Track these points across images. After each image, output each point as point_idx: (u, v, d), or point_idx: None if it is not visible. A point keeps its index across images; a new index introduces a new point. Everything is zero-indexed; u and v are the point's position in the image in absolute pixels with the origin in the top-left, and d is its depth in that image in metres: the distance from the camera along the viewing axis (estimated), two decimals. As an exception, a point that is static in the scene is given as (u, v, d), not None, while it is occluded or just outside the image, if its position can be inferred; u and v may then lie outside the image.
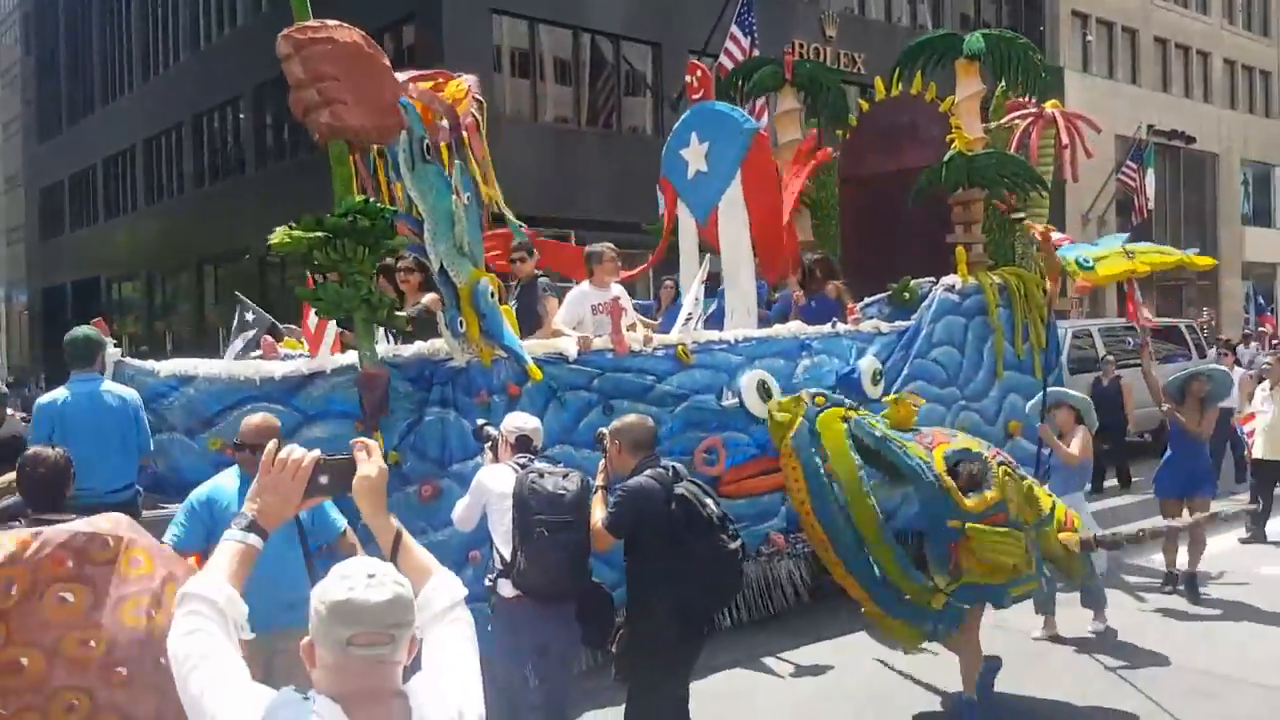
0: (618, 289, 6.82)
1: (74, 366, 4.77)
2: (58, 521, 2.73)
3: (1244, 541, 8.81)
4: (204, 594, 1.81)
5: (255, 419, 4.12)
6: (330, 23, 4.49)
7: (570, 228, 14.21)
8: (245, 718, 1.65)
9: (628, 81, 19.37)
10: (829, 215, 9.26)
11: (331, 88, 4.38)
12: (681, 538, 3.96)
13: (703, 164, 7.54)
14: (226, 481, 4.00)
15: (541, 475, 4.08)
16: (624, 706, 4.15)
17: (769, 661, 5.97)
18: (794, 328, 7.01)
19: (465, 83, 5.20)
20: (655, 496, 3.98)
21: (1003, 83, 8.42)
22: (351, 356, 5.11)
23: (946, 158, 7.82)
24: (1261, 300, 20.02)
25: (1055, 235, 7.39)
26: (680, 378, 6.20)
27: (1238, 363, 13.01)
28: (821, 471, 4.59)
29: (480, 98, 5.20)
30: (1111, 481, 11.29)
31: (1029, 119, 8.26)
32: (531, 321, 6.34)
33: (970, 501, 4.53)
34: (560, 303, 6.65)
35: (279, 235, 4.54)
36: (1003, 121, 8.45)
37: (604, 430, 4.42)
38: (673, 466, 4.16)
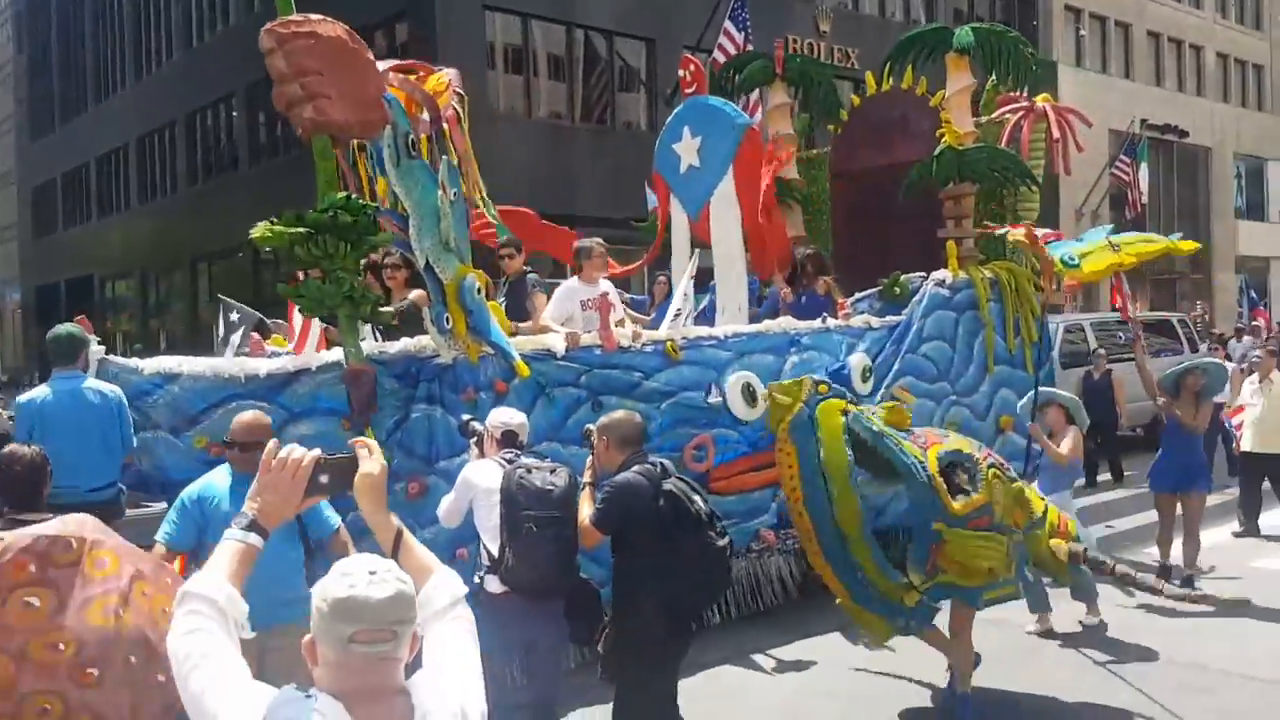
0: (606, 285, 6.80)
1: (56, 364, 4.73)
2: (34, 521, 2.71)
3: (1237, 535, 8.81)
4: (204, 593, 1.81)
5: (246, 416, 4.10)
6: (314, 17, 4.46)
7: (564, 224, 14.17)
8: (247, 716, 1.64)
9: (622, 77, 19.35)
10: (820, 210, 9.25)
11: (315, 82, 4.34)
12: (669, 534, 3.94)
13: (695, 159, 7.52)
14: (218, 479, 3.99)
15: (529, 471, 4.05)
16: (612, 704, 4.13)
17: (758, 658, 5.96)
18: (784, 323, 6.99)
19: (446, 76, 5.17)
20: (643, 493, 3.95)
21: (993, 77, 8.41)
22: (337, 353, 5.08)
23: (937, 152, 7.81)
24: (1254, 294, 20.01)
25: (1041, 231, 7.35)
26: (668, 374, 6.18)
27: (1228, 357, 13.03)
28: (816, 459, 4.57)
29: (461, 91, 5.17)
30: (1104, 475, 11.31)
31: (1020, 113, 8.24)
32: (520, 318, 6.32)
33: (957, 504, 4.51)
34: (549, 298, 6.62)
35: (260, 230, 4.51)
36: (994, 116, 8.43)
37: (591, 426, 4.40)
38: (661, 463, 4.14)
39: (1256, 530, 8.81)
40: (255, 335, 6.12)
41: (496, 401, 5.23)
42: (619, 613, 4.10)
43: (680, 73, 8.48)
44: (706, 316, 7.65)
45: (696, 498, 4.04)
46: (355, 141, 4.93)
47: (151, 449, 4.91)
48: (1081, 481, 10.61)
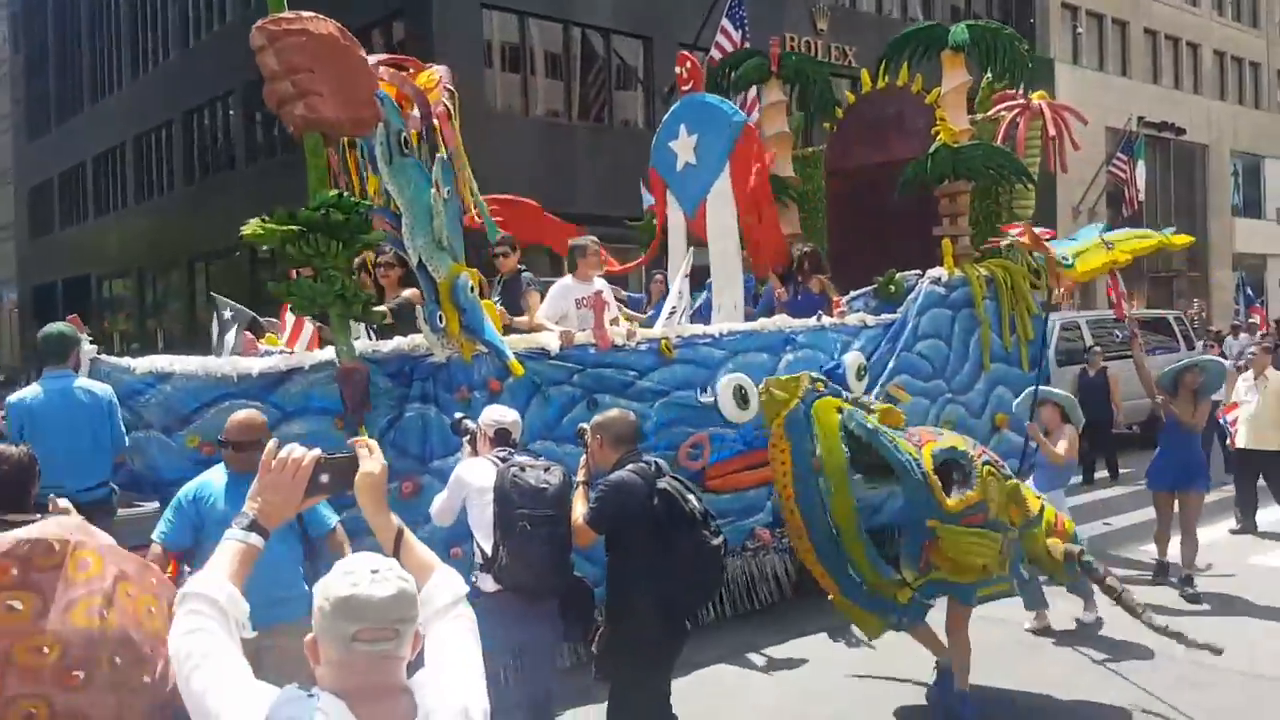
0: (601, 283, 6.78)
1: (47, 363, 4.72)
2: (22, 522, 2.68)
3: (1234, 532, 8.80)
4: (205, 593, 1.81)
5: (241, 415, 4.09)
6: (305, 14, 4.44)
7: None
8: (249, 716, 1.64)
9: (619, 76, 19.33)
10: (816, 208, 9.24)
11: (306, 79, 4.33)
12: (664, 533, 3.92)
13: (691, 156, 7.52)
14: (214, 478, 3.99)
15: (523, 469, 4.04)
16: (607, 704, 4.12)
17: (753, 657, 5.95)
18: (779, 321, 6.97)
19: (436, 73, 5.15)
20: (637, 491, 3.94)
21: (988, 74, 8.39)
22: (330, 352, 5.06)
23: (932, 149, 7.80)
24: (1250, 291, 20.00)
25: (1037, 230, 7.34)
26: (661, 373, 6.17)
27: (1223, 354, 13.03)
28: (810, 456, 4.56)
29: (451, 88, 5.15)
30: (1102, 473, 11.31)
31: (1015, 110, 8.23)
32: (516, 316, 6.30)
33: (951, 501, 4.50)
34: (543, 297, 6.61)
35: (251, 227, 4.50)
36: (989, 113, 8.42)
37: (585, 425, 4.39)
38: (655, 461, 4.12)
39: (1254, 527, 8.80)
40: (248, 334, 6.10)
41: (490, 400, 5.21)
42: (613, 612, 4.09)
43: (677, 70, 8.47)
44: (702, 314, 7.64)
45: (691, 496, 4.02)
46: (346, 139, 4.91)
47: (144, 449, 4.89)
48: (1079, 480, 10.64)
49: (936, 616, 5.10)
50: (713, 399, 6.26)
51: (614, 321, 6.38)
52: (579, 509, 4.06)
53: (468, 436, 4.46)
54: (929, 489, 4.49)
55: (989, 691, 5.16)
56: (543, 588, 4.01)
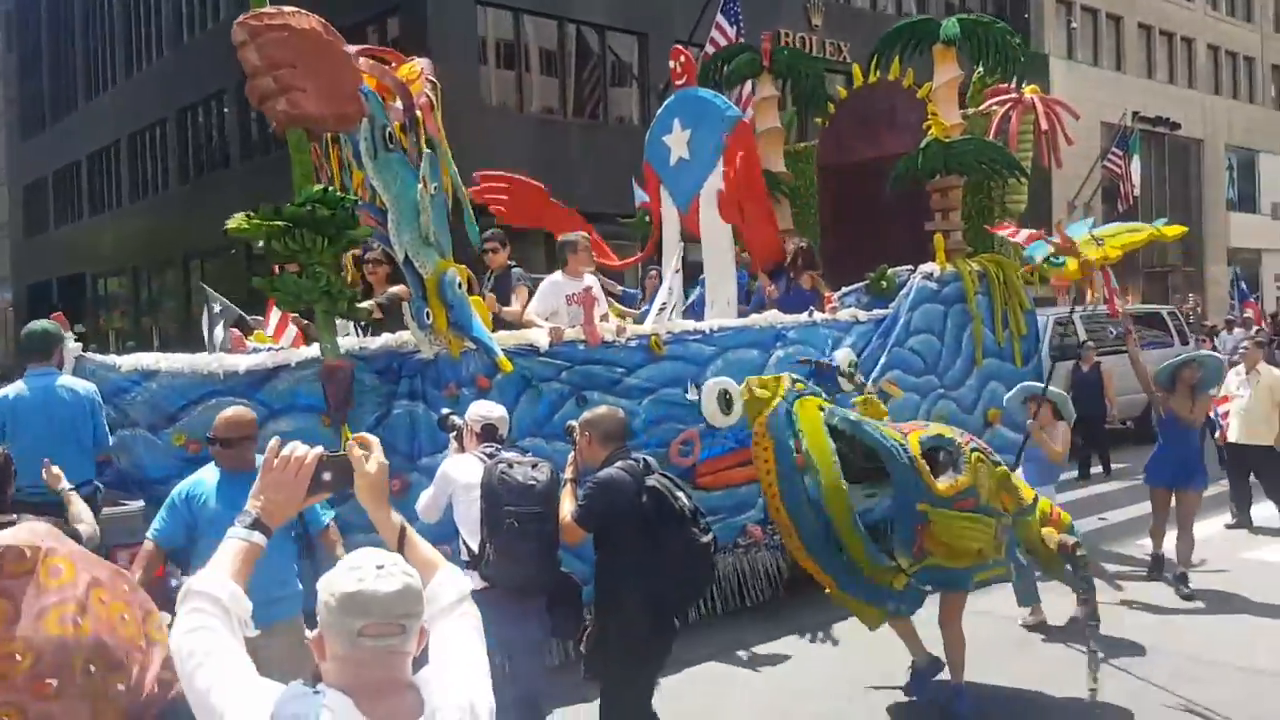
0: (590, 279, 6.75)
1: (30, 361, 4.69)
2: (1, 524, 2.66)
3: (1229, 527, 8.79)
4: (207, 591, 1.80)
5: (229, 412, 4.07)
6: (287, 9, 4.41)
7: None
8: (254, 713, 1.63)
9: (614, 72, 19.31)
10: (808, 204, 9.21)
11: (288, 75, 4.29)
12: (652, 531, 3.90)
13: (685, 151, 7.49)
14: (207, 477, 3.98)
15: (510, 466, 4.01)
16: (598, 702, 4.09)
17: (745, 654, 5.92)
18: (770, 317, 6.94)
19: (418, 65, 5.12)
20: (626, 489, 3.91)
21: (979, 68, 8.36)
22: (316, 349, 5.03)
23: (923, 144, 7.77)
24: (1244, 286, 20.00)
25: (1025, 233, 7.31)
26: (650, 370, 6.14)
27: (1215, 349, 13.02)
28: (793, 454, 4.55)
29: (434, 79, 5.11)
30: (1096, 468, 11.30)
31: (1008, 104, 8.21)
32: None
33: (941, 485, 4.50)
34: (531, 292, 6.58)
35: (236, 222, 4.47)
36: (981, 108, 8.40)
37: (574, 423, 4.36)
38: (644, 459, 4.09)
39: (1249, 522, 8.78)
40: (235, 331, 6.07)
41: (479, 397, 5.18)
42: (602, 610, 4.07)
43: (671, 64, 8.44)
44: (695, 310, 7.62)
45: (680, 494, 4.00)
46: (329, 134, 4.88)
47: (130, 447, 4.87)
48: (1074, 475, 10.63)
49: (921, 615, 5.09)
50: (698, 397, 6.23)
51: (604, 318, 6.35)
52: (567, 507, 4.04)
53: (454, 432, 4.43)
54: (917, 472, 4.48)
55: (984, 688, 5.15)
56: (530, 585, 3.99)
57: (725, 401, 6.22)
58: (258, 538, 1.92)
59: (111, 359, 5.06)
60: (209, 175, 23.58)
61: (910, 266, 7.71)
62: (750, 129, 7.91)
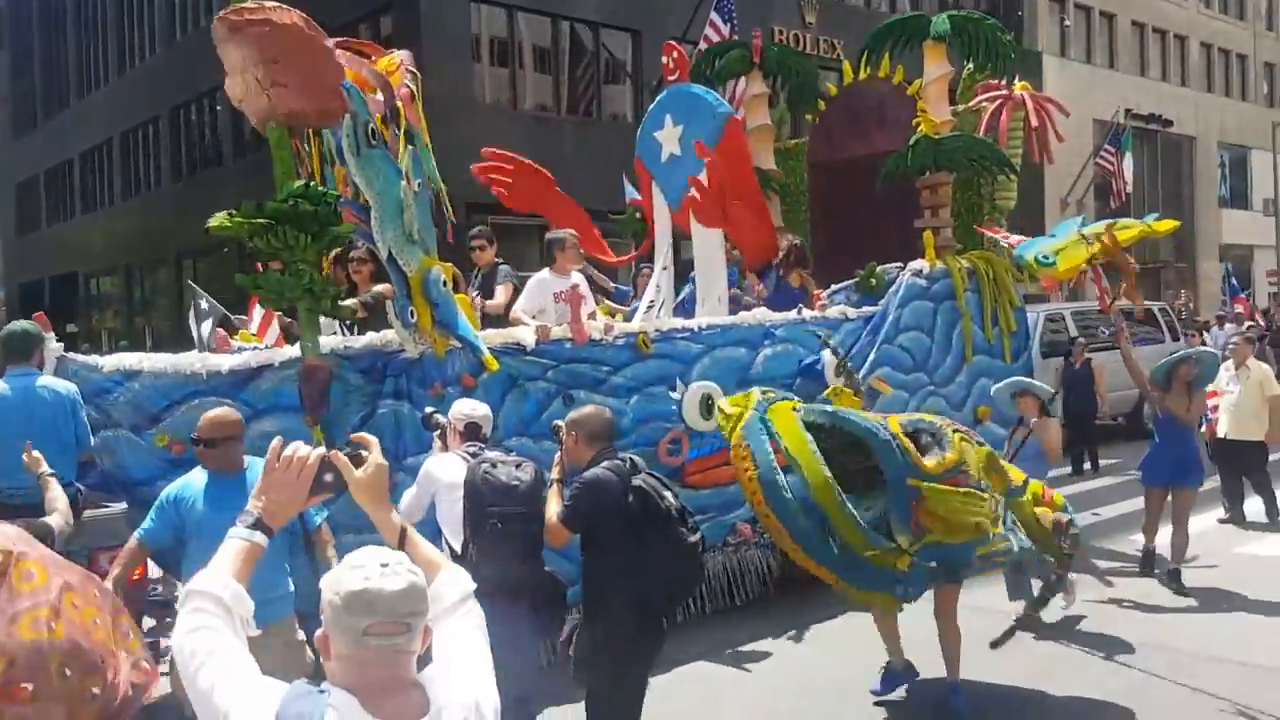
0: (578, 277, 6.72)
1: (10, 362, 4.64)
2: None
3: (1222, 522, 8.78)
4: (209, 590, 1.79)
5: (214, 413, 4.04)
6: (269, 4, 4.37)
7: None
8: (258, 712, 1.63)
9: (607, 69, 19.29)
10: (798, 201, 9.19)
11: (270, 71, 4.26)
12: (639, 531, 3.87)
13: (676, 147, 7.45)
14: (196, 479, 3.96)
15: (494, 465, 3.98)
16: (584, 703, 4.07)
17: (736, 653, 5.90)
18: (758, 315, 6.92)
19: (397, 56, 5.09)
20: (612, 489, 3.88)
21: (969, 64, 8.34)
22: (299, 349, 5.00)
23: (912, 141, 7.75)
24: (1235, 282, 20.04)
25: (1013, 238, 7.31)
26: (636, 368, 6.11)
27: (1203, 344, 13.03)
28: (771, 458, 4.53)
29: (414, 70, 5.07)
30: (1089, 464, 11.31)
31: (998, 101, 8.19)
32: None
33: (929, 463, 4.48)
34: (515, 288, 6.54)
35: (218, 220, 4.44)
36: (971, 104, 8.38)
37: (560, 422, 4.34)
38: (630, 458, 4.06)
39: (1241, 517, 8.77)
40: (221, 331, 6.03)
41: (465, 396, 5.15)
42: (590, 610, 4.04)
43: (664, 60, 8.41)
44: (685, 308, 7.59)
45: (667, 493, 3.97)
46: (310, 130, 4.84)
47: (113, 448, 4.82)
48: (1067, 471, 10.64)
49: (905, 619, 5.08)
50: (681, 396, 6.20)
51: (591, 315, 6.33)
52: (553, 508, 4.01)
53: (438, 431, 4.41)
54: (902, 449, 4.47)
55: (979, 685, 5.13)
56: (513, 586, 3.95)
57: (707, 406, 6.20)
58: (259, 538, 1.92)
59: (94, 359, 5.02)
60: (202, 173, 23.52)
61: (900, 263, 7.69)
62: (741, 126, 7.87)
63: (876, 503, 4.74)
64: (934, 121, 7.75)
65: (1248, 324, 14.20)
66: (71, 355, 4.91)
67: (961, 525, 4.52)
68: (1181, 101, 30.48)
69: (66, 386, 4.61)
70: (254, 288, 4.71)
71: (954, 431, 4.71)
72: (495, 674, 3.91)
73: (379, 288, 5.73)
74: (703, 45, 11.65)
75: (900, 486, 4.51)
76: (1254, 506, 8.80)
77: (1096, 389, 10.84)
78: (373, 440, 2.07)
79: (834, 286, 7.79)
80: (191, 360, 4.98)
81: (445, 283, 5.05)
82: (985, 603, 5.98)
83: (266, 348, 5.73)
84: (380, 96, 4.69)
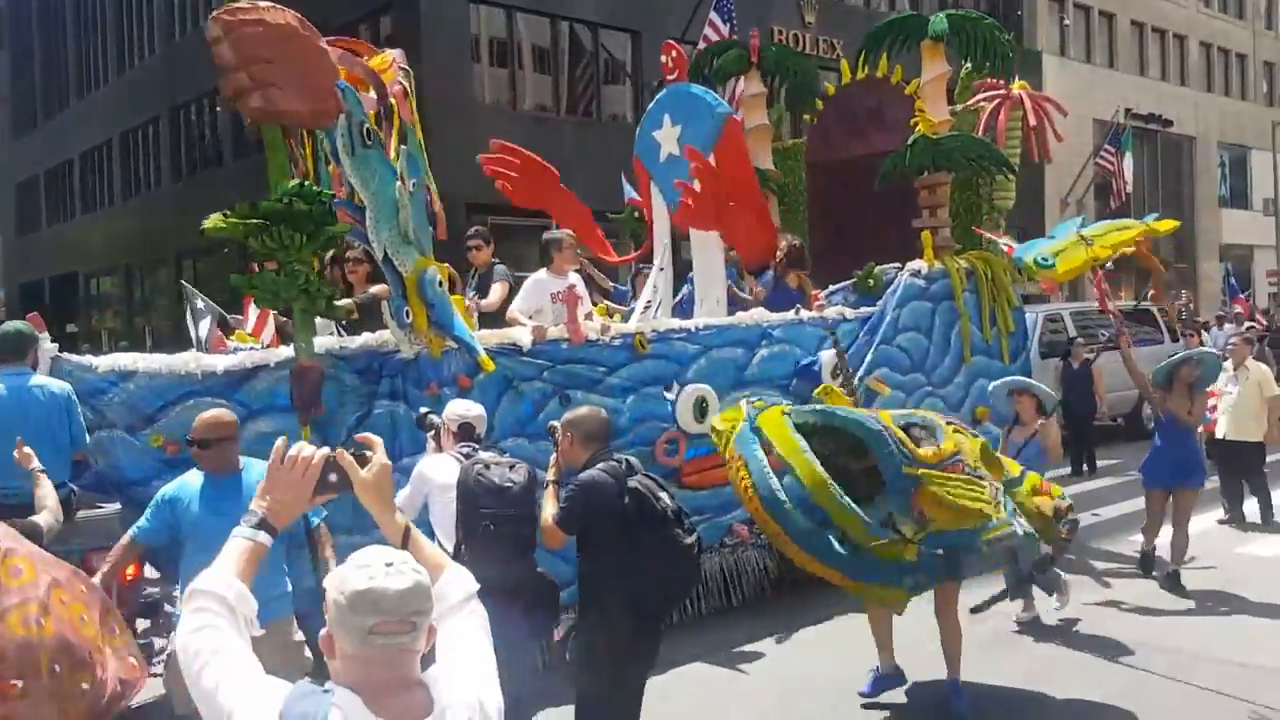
0: (574, 277, 6.71)
1: (3, 361, 4.63)
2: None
3: (1222, 522, 8.77)
4: (212, 590, 1.80)
5: (208, 414, 4.04)
6: (263, 4, 4.36)
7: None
8: (263, 712, 1.63)
9: (607, 70, 19.28)
10: (796, 201, 9.18)
11: (263, 70, 4.25)
12: (634, 532, 3.86)
13: (675, 147, 7.42)
14: (192, 480, 3.96)
15: (487, 466, 3.98)
16: (577, 705, 4.06)
17: (733, 654, 5.89)
18: (756, 315, 6.91)
19: (390, 54, 5.08)
20: (607, 490, 3.87)
21: (968, 64, 8.33)
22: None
23: (911, 141, 7.73)
24: (1235, 282, 20.02)
25: (1006, 242, 7.29)
26: (632, 369, 6.10)
27: (1201, 344, 13.01)
28: (765, 466, 4.52)
29: (406, 67, 5.06)
30: (1085, 465, 11.30)
31: (996, 100, 8.18)
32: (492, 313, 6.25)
33: (924, 452, 4.47)
34: (510, 287, 6.54)
35: (213, 220, 4.43)
36: (970, 103, 8.36)
37: (556, 423, 4.33)
38: (626, 460, 4.05)
39: (1241, 517, 8.76)
40: (218, 332, 6.03)
41: (460, 397, 5.14)
42: (585, 612, 4.03)
43: (663, 59, 8.40)
44: (683, 308, 7.58)
45: (663, 494, 3.95)
46: (304, 130, 4.83)
47: (107, 448, 4.81)
48: (1066, 471, 10.62)
49: (900, 624, 5.07)
50: (674, 396, 6.19)
51: (588, 316, 6.32)
52: (549, 509, 4.00)
53: (432, 431, 4.40)
54: (895, 439, 4.47)
55: (980, 686, 5.13)
56: (506, 588, 3.94)
57: (701, 410, 6.18)
58: (263, 538, 1.91)
59: (88, 359, 5.00)
60: (202, 173, 23.52)
61: (898, 264, 7.68)
62: (740, 126, 7.86)
63: (881, 507, 4.73)
64: (932, 121, 7.74)
65: (1247, 324, 14.16)
66: (66, 355, 4.89)
67: (964, 511, 4.49)
68: (1181, 101, 30.47)
69: (61, 386, 4.60)
70: (249, 288, 4.70)
71: (947, 424, 4.72)
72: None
73: (375, 288, 5.72)
74: (702, 45, 11.66)
75: (897, 476, 4.49)
76: (1252, 507, 8.79)
77: (1095, 389, 10.82)
78: (377, 440, 2.07)
79: (832, 287, 7.78)
80: (186, 361, 4.97)
81: (441, 283, 5.04)
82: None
83: (262, 348, 5.73)
84: (373, 94, 4.68)
